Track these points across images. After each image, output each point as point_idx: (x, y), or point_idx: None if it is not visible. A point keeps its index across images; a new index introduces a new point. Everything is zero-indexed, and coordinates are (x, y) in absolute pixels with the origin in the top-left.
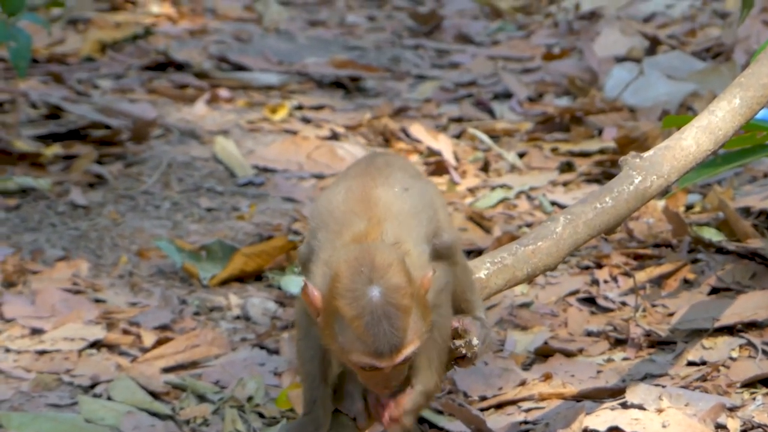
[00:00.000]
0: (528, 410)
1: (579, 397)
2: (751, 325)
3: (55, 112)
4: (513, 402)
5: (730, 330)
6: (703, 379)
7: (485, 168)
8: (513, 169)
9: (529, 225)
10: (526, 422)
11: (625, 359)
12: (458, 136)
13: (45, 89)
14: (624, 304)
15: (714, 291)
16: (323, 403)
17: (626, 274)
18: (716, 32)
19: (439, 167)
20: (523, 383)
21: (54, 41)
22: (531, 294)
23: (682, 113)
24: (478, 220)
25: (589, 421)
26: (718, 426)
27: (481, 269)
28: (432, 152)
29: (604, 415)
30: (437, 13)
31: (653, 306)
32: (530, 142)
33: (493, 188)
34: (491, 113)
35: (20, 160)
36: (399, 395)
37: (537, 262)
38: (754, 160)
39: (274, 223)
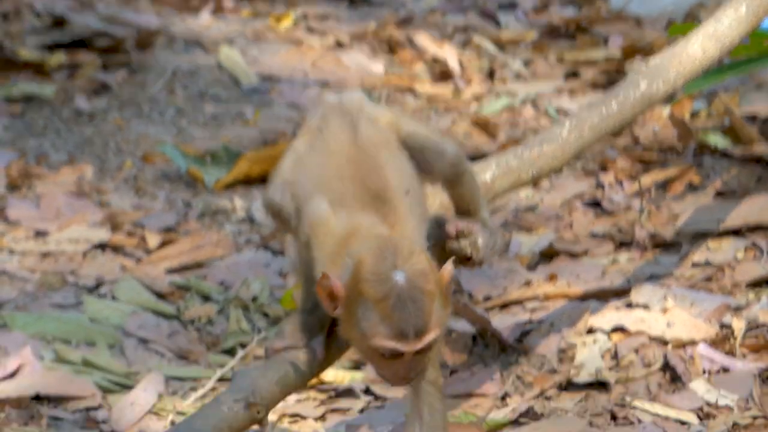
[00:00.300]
0: (533, 310)
1: (584, 297)
2: (757, 228)
3: (59, 22)
4: (518, 302)
5: (735, 232)
6: (708, 279)
7: (490, 76)
8: (518, 76)
9: (534, 131)
10: (530, 322)
11: (630, 260)
12: (463, 46)
13: None
14: (629, 206)
15: (719, 194)
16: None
17: (632, 178)
18: None
19: (443, 75)
20: (528, 284)
21: None
22: (536, 197)
23: (687, 23)
24: (483, 126)
25: (594, 321)
26: (723, 326)
27: (487, 172)
28: (437, 60)
29: (609, 314)
30: None
31: (658, 209)
32: (535, 51)
33: (498, 95)
34: (496, 23)
35: (24, 68)
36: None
37: (542, 165)
38: (760, 67)
39: (278, 128)
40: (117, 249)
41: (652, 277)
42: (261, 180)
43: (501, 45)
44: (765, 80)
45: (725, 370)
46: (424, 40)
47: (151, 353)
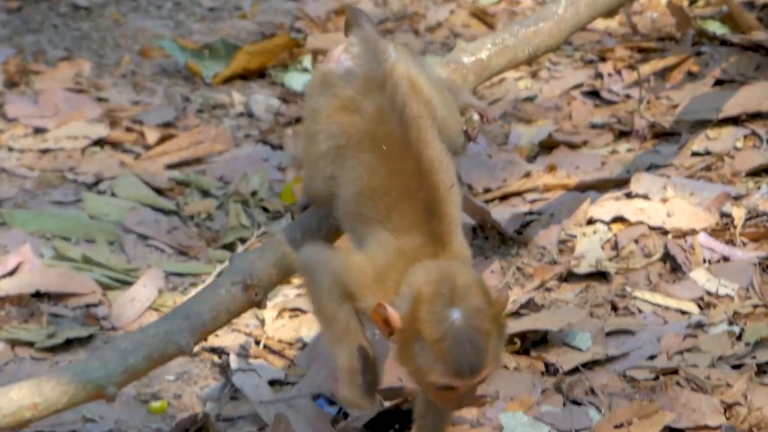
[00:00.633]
0: (533, 201)
1: (583, 188)
2: (756, 116)
3: None
4: (518, 193)
5: (734, 120)
6: (708, 168)
7: None
8: None
9: None
10: (530, 213)
11: (629, 150)
12: None
13: None
14: (628, 96)
15: (718, 83)
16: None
17: (630, 67)
18: None
19: None
20: (527, 175)
21: None
22: (535, 88)
23: None
24: (482, 17)
25: (594, 211)
26: (723, 214)
27: (482, 50)
28: None
29: (609, 205)
30: None
31: (657, 98)
32: None
33: None
34: None
35: None
36: None
37: (538, 43)
38: None
39: (276, 21)
40: (116, 145)
41: (652, 167)
42: (259, 74)
43: None
44: None
45: (725, 259)
46: None
47: (151, 249)
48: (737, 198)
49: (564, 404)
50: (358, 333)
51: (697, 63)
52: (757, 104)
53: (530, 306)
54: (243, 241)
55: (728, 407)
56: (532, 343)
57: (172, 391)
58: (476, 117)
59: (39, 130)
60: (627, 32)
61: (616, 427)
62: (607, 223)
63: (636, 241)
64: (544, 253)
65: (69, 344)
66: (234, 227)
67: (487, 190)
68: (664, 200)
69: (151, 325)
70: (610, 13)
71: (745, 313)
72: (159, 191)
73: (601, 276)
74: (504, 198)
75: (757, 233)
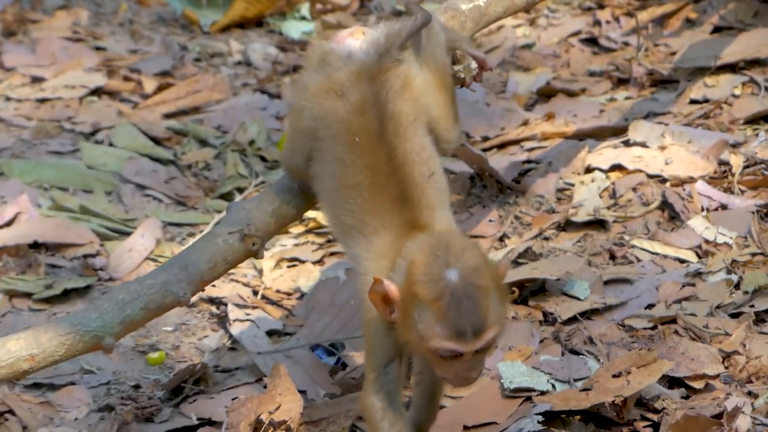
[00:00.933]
0: (530, 149)
1: (581, 136)
2: (754, 63)
3: None
4: (515, 142)
5: (732, 68)
6: (706, 116)
7: None
8: None
9: None
10: (528, 161)
11: (627, 98)
12: None
13: None
14: (626, 44)
15: (716, 30)
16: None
17: (628, 14)
18: None
19: None
20: (525, 123)
21: None
22: (533, 35)
23: None
24: None
25: (592, 159)
26: (721, 162)
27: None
28: None
29: (607, 153)
30: None
31: (655, 45)
32: None
33: None
34: None
35: None
36: None
37: None
38: None
39: None
40: (113, 94)
41: (650, 115)
42: (257, 22)
43: None
44: None
45: (723, 207)
46: None
47: (149, 199)
48: (735, 145)
49: (562, 353)
50: None
51: (695, 10)
52: (755, 51)
53: (528, 255)
54: (241, 190)
55: (726, 356)
56: (531, 292)
57: (170, 342)
58: (474, 65)
59: (36, 80)
60: None
61: (615, 376)
62: (605, 172)
63: (634, 190)
64: (542, 202)
65: (67, 295)
66: (232, 176)
67: (485, 139)
68: (662, 148)
69: (148, 276)
70: None
71: (744, 261)
72: (157, 141)
73: (599, 224)
74: (502, 146)
75: (755, 181)
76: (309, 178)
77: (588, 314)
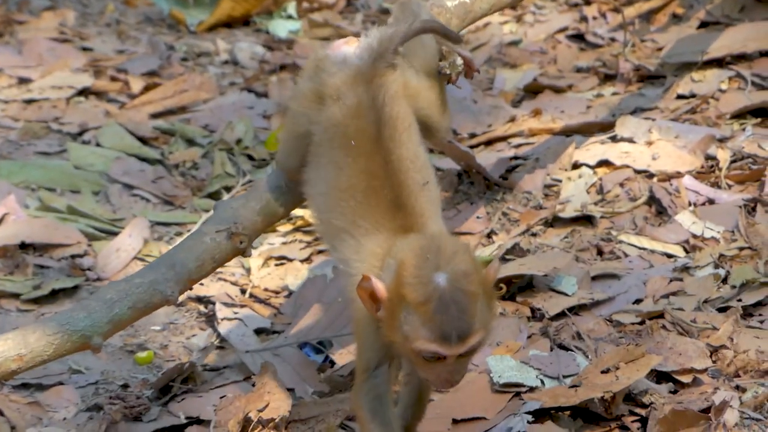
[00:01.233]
0: (518, 146)
1: (568, 132)
2: (740, 57)
3: None
4: (503, 138)
5: (719, 62)
6: (693, 111)
7: None
8: None
9: None
10: (516, 158)
11: (614, 94)
12: None
13: None
14: (613, 39)
15: (703, 25)
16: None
17: (615, 10)
18: None
19: None
20: (512, 119)
21: None
22: (519, 32)
23: None
24: None
25: (579, 155)
26: (708, 157)
27: None
28: None
29: (594, 148)
30: None
31: (642, 41)
32: None
33: None
34: None
35: None
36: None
37: None
38: None
39: None
40: (100, 95)
41: (637, 110)
42: (244, 21)
43: None
44: None
45: (711, 201)
46: None
47: (136, 199)
48: (722, 140)
49: (551, 349)
50: None
51: (681, 5)
52: (741, 46)
53: (516, 251)
54: (228, 189)
55: (714, 350)
56: (518, 288)
57: (158, 341)
58: (459, 61)
59: (23, 81)
60: None
61: (603, 372)
62: (593, 167)
63: (621, 185)
64: (529, 198)
65: (55, 295)
66: (219, 176)
67: (473, 135)
68: (649, 143)
69: (136, 275)
70: None
71: (731, 255)
72: (144, 140)
73: (586, 220)
74: (489, 143)
75: (742, 175)
76: (302, 181)
77: (576, 310)
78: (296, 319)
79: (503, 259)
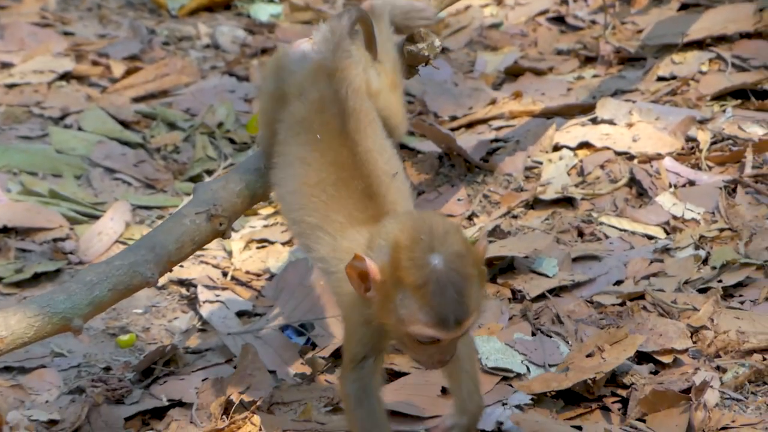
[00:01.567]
0: (498, 128)
1: (549, 114)
2: (721, 39)
3: None
4: (483, 121)
5: (699, 44)
6: (673, 93)
7: None
8: None
9: None
10: (497, 140)
11: (595, 76)
12: None
13: None
14: (593, 22)
15: (683, 7)
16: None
17: None
18: None
19: None
20: (493, 102)
21: None
22: (500, 14)
23: None
24: None
25: (560, 137)
26: (689, 138)
27: None
28: None
29: (575, 130)
30: None
31: (623, 23)
32: None
33: None
34: None
35: None
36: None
37: None
38: None
39: None
40: (82, 79)
41: (617, 92)
42: (225, 5)
43: None
44: None
45: (691, 183)
46: None
47: (118, 182)
48: (702, 122)
49: (533, 333)
50: None
51: None
52: (722, 27)
53: (497, 233)
54: (210, 173)
55: (695, 331)
56: (499, 269)
57: (140, 324)
58: (437, 42)
59: (5, 65)
60: None
61: (588, 355)
62: (573, 149)
63: (602, 167)
64: (510, 180)
65: (37, 279)
66: (201, 159)
67: (453, 118)
68: (630, 125)
69: (116, 257)
70: None
71: (711, 236)
72: (125, 124)
73: (567, 202)
74: (470, 125)
75: (722, 157)
76: (271, 184)
77: (556, 291)
78: (278, 301)
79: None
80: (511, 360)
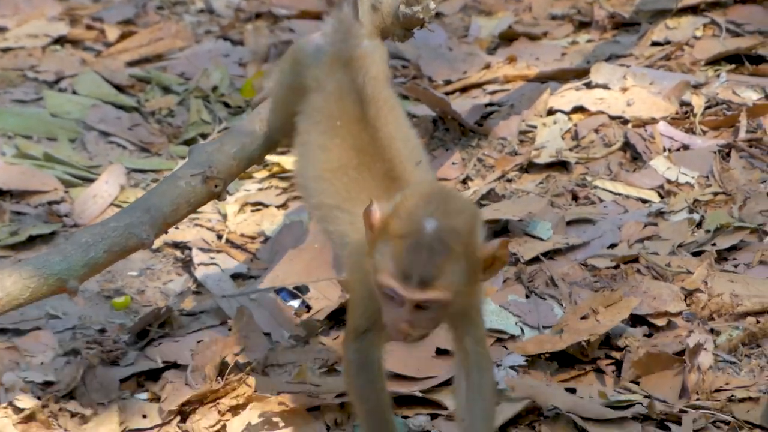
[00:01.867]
0: (493, 92)
1: (543, 79)
2: (715, 4)
3: None
4: (478, 85)
5: (693, 9)
6: (668, 57)
7: None
8: None
9: None
10: (491, 104)
11: (589, 41)
12: None
13: None
14: None
15: None
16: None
17: None
18: None
19: None
20: (487, 66)
21: None
22: None
23: None
24: None
25: (554, 102)
26: (683, 103)
27: None
28: None
29: (569, 95)
30: None
31: None
32: None
33: None
34: None
35: None
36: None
37: None
38: None
39: None
40: (76, 43)
41: (612, 57)
42: None
43: None
44: None
45: (685, 147)
46: None
47: (113, 146)
48: (697, 86)
49: (527, 296)
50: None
51: None
52: None
53: (491, 196)
54: (204, 136)
55: (689, 294)
56: (494, 233)
57: (135, 286)
58: (432, 5)
59: None
60: None
61: (582, 318)
62: (568, 113)
63: (596, 131)
64: (504, 144)
65: (32, 241)
66: (195, 123)
67: (448, 82)
68: (624, 90)
69: (112, 219)
70: None
71: (705, 200)
72: (120, 88)
73: (561, 166)
74: (464, 90)
75: (716, 121)
76: (287, 137)
77: (551, 254)
78: (272, 264)
79: (479, 204)
80: (506, 321)
